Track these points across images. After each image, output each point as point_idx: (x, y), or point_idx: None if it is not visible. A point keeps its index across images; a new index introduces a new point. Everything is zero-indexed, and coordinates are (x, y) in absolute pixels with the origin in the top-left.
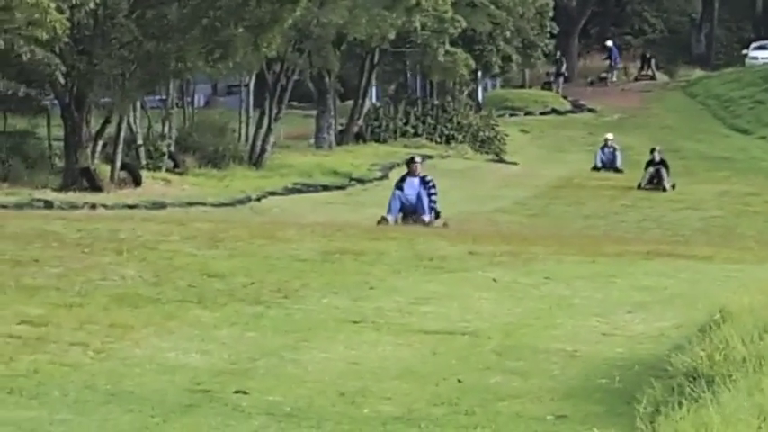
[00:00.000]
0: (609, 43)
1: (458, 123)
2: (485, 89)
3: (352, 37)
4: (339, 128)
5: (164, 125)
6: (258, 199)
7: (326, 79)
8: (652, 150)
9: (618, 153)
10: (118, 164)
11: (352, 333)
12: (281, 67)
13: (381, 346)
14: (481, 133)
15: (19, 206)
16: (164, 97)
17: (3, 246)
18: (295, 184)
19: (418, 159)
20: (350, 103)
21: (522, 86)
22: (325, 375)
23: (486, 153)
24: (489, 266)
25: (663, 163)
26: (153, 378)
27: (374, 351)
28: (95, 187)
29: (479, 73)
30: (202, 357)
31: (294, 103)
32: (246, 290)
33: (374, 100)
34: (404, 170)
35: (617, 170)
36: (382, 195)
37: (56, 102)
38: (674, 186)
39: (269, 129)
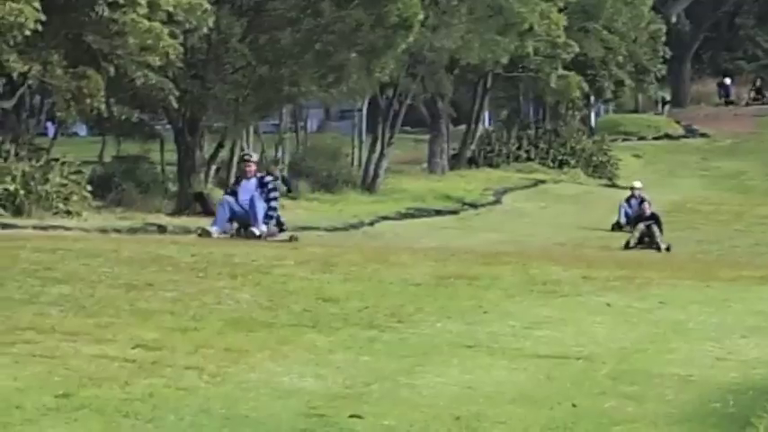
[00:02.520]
0: (727, 81)
1: (570, 148)
2: (597, 114)
3: (465, 62)
4: (452, 152)
5: (277, 150)
6: (371, 223)
7: (439, 104)
8: (641, 202)
9: (646, 203)
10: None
11: (466, 357)
12: (394, 92)
13: (496, 371)
14: (594, 158)
15: (132, 230)
16: (277, 122)
17: (118, 270)
18: (408, 208)
19: (253, 157)
20: (462, 127)
21: (635, 111)
22: (439, 400)
23: (599, 178)
24: (603, 291)
25: (654, 217)
26: (268, 402)
27: (488, 375)
28: (208, 212)
29: (592, 98)
30: (317, 382)
31: (407, 128)
32: (361, 314)
33: (487, 124)
34: (518, 194)
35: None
36: (495, 220)
37: (169, 126)
38: (668, 248)
39: (382, 153)
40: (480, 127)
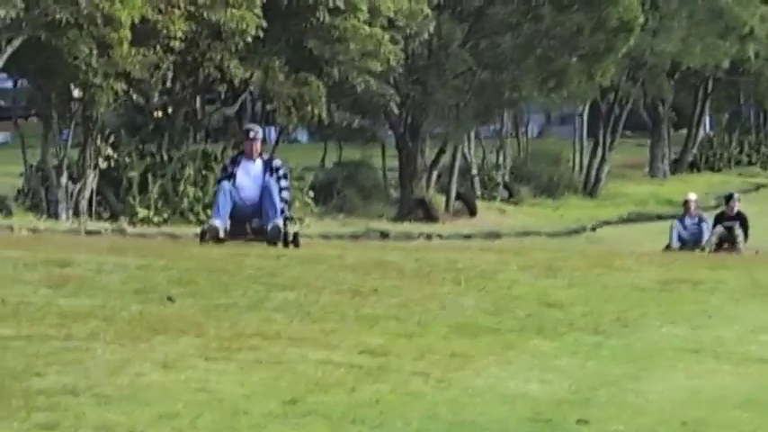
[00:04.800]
0: None
1: None
2: None
3: (686, 66)
4: (673, 157)
5: (498, 155)
6: (593, 228)
7: (660, 108)
8: (728, 198)
9: (705, 225)
10: (453, 194)
11: (691, 362)
12: (615, 96)
13: (721, 376)
14: None
15: (355, 236)
16: (498, 127)
17: (342, 276)
18: (630, 213)
19: (258, 132)
20: (683, 132)
21: None
22: (665, 405)
23: None
24: None
25: (740, 217)
26: (494, 407)
27: (714, 380)
28: (431, 217)
29: None
30: (543, 386)
31: (628, 132)
32: (585, 319)
33: (708, 129)
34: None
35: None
36: None
37: (390, 132)
38: (756, 252)
39: (603, 158)
40: (701, 131)
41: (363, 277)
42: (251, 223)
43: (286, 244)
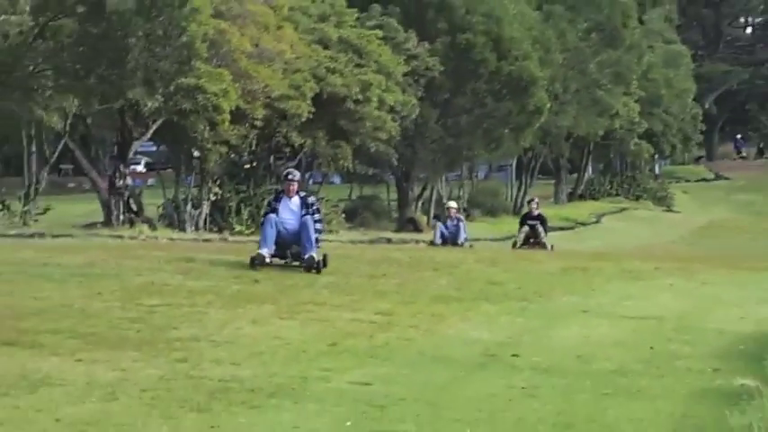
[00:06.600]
0: (739, 137)
1: (643, 188)
2: (660, 165)
3: (576, 134)
4: (569, 191)
5: (459, 190)
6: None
7: (560, 160)
8: (529, 201)
9: (462, 224)
10: (432, 214)
11: (582, 319)
12: (532, 154)
13: (601, 327)
14: (658, 193)
15: (371, 242)
16: (459, 173)
17: (363, 266)
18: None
19: (296, 176)
20: (575, 175)
21: (683, 163)
22: (567, 345)
23: (661, 206)
24: (667, 276)
25: (540, 218)
26: (460, 347)
27: (597, 330)
28: (417, 229)
29: (656, 156)
30: (490, 334)
31: (540, 176)
32: (516, 292)
33: (590, 173)
34: (611, 217)
35: (460, 245)
36: (597, 233)
37: (391, 176)
38: (552, 247)
39: (525, 192)
40: (586, 174)
41: (376, 267)
42: (291, 249)
43: (318, 271)
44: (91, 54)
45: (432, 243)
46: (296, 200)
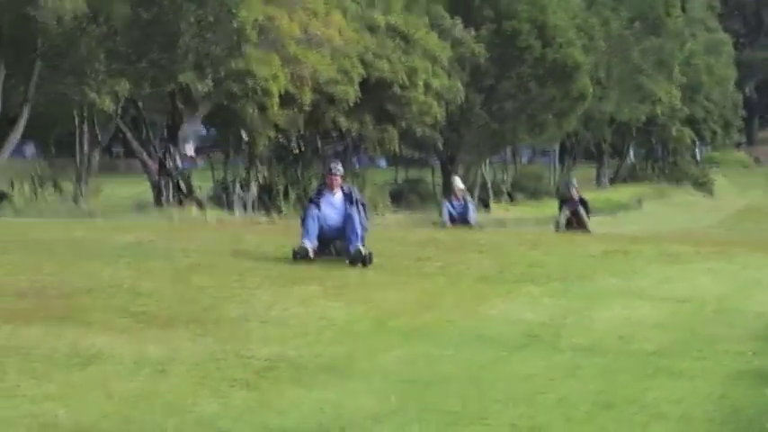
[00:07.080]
0: None
1: (685, 173)
2: (701, 151)
3: (619, 119)
4: (611, 175)
5: (503, 173)
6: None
7: (603, 145)
8: (567, 184)
9: (471, 205)
10: (476, 198)
11: (623, 300)
12: (575, 138)
13: (642, 309)
14: (699, 179)
15: (415, 224)
16: (503, 157)
17: (408, 248)
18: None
19: (339, 170)
20: (617, 159)
21: (723, 148)
22: (608, 326)
23: (702, 192)
24: (706, 260)
25: (582, 201)
26: (503, 327)
27: (638, 311)
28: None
29: (697, 142)
30: (533, 315)
31: (582, 160)
32: (558, 273)
33: (632, 158)
34: (652, 201)
35: (469, 224)
36: (638, 217)
37: (437, 161)
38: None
39: (567, 175)
40: (628, 159)
41: (421, 249)
42: (334, 245)
43: (364, 264)
44: (143, 39)
45: (442, 224)
46: (339, 195)
